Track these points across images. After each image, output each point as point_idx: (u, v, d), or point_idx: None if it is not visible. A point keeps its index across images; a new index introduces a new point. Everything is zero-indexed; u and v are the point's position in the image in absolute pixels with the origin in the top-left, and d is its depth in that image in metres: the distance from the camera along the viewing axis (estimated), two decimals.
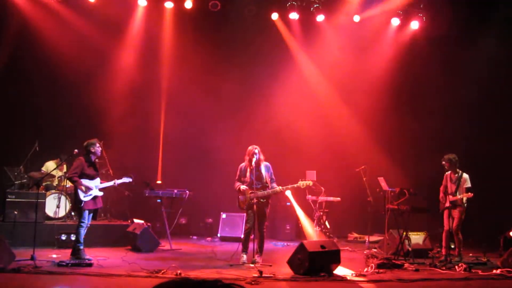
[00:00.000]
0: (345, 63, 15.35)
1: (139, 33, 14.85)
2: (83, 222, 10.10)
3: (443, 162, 11.24)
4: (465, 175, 11.26)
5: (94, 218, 10.58)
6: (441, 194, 11.35)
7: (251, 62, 14.98)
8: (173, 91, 15.09)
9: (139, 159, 14.55)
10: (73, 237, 11.37)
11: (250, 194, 10.15)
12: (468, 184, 11.16)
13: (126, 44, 14.83)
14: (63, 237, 11.44)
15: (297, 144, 15.45)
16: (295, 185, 10.33)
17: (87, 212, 10.15)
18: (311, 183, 10.36)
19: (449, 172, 11.30)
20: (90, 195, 10.13)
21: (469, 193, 10.91)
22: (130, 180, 11.08)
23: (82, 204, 10.02)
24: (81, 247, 10.05)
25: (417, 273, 9.65)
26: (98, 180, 10.38)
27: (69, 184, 12.58)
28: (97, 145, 10.39)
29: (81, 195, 10.04)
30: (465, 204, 11.08)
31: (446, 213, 11.19)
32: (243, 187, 10.21)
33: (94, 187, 10.22)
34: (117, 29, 14.66)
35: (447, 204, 10.99)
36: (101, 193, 10.37)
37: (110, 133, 13.83)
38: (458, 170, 11.27)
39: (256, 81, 15.04)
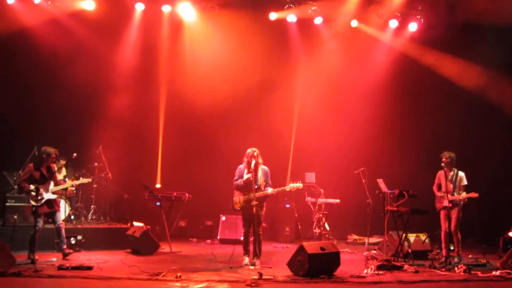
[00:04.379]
0: (344, 65, 15.38)
1: (137, 37, 14.86)
2: (37, 226, 10.25)
3: (444, 159, 11.26)
4: (461, 173, 11.30)
5: (53, 221, 10.69)
6: (437, 193, 11.36)
7: (250, 64, 14.97)
8: (172, 95, 15.09)
9: (138, 163, 14.57)
10: (72, 241, 11.47)
11: (243, 196, 10.17)
12: (465, 182, 11.22)
13: (124, 48, 14.83)
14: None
15: (296, 146, 15.49)
16: (286, 188, 10.35)
17: (42, 216, 10.35)
18: (301, 185, 10.36)
19: (443, 170, 11.32)
20: (42, 199, 10.33)
21: (475, 193, 10.92)
22: (89, 180, 11.44)
23: (34, 209, 10.27)
24: (33, 249, 10.10)
25: (416, 274, 9.66)
26: (51, 184, 10.56)
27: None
28: (53, 155, 10.64)
29: (32, 201, 10.29)
30: (462, 202, 11.12)
31: (443, 213, 11.21)
32: (235, 198, 10.29)
33: (46, 191, 10.42)
34: (115, 33, 14.68)
35: (446, 204, 11.00)
36: (54, 196, 10.56)
37: (109, 136, 13.84)
38: (453, 168, 11.31)
39: (255, 84, 15.00)
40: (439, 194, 11.27)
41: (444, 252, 11.14)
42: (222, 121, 15.11)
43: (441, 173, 11.39)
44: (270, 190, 10.18)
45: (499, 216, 14.18)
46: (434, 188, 11.52)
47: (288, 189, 10.36)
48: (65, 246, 10.68)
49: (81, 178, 11.23)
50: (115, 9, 14.39)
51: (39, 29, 13.87)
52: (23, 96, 14.05)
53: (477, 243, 13.50)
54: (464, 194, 11.06)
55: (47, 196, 10.44)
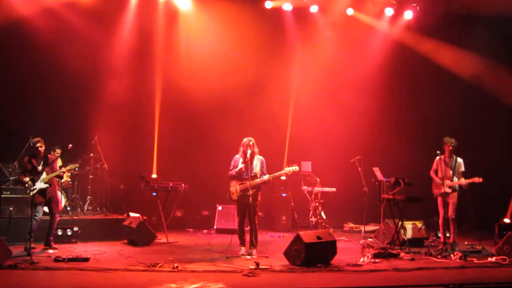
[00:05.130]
0: (341, 54, 15.37)
1: (132, 26, 14.77)
2: (35, 216, 10.40)
3: (450, 146, 11.24)
4: (460, 159, 11.35)
5: (51, 210, 10.81)
6: (436, 178, 11.36)
7: (245, 54, 14.96)
8: (168, 84, 15.05)
9: (134, 153, 14.56)
10: (69, 232, 11.49)
11: (240, 186, 10.15)
12: (463, 168, 11.28)
13: (119, 38, 14.73)
14: (59, 232, 11.42)
15: (292, 135, 15.47)
16: (282, 172, 10.25)
17: (39, 207, 10.52)
18: (297, 168, 10.24)
19: (442, 156, 11.35)
20: (35, 189, 10.44)
21: (479, 178, 10.94)
22: (77, 165, 11.50)
23: (29, 199, 10.46)
24: (31, 239, 10.20)
25: (413, 262, 9.70)
26: (43, 174, 10.64)
27: (64, 179, 12.59)
28: (38, 144, 10.70)
29: (27, 191, 10.48)
30: (464, 188, 11.17)
31: (441, 199, 11.24)
32: (231, 188, 10.19)
33: (38, 181, 10.53)
34: (110, 21, 14.59)
35: (446, 190, 11.04)
36: (45, 186, 10.61)
37: (105, 127, 13.83)
38: (453, 154, 11.35)
39: (251, 73, 14.98)
40: (439, 181, 11.24)
41: (442, 238, 11.20)
42: (218, 110, 15.07)
43: (439, 159, 11.40)
44: (266, 176, 10.13)
45: (494, 202, 14.23)
46: (432, 173, 11.54)
47: (284, 173, 10.28)
48: (51, 238, 10.77)
49: (69, 164, 11.26)
50: None
51: (33, 18, 13.74)
52: (17, 87, 13.95)
53: (473, 229, 13.57)
54: (463, 180, 11.10)
55: (39, 185, 10.51)
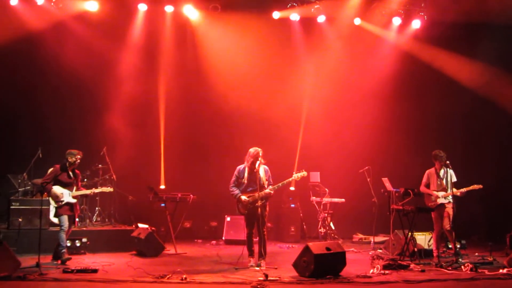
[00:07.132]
0: (349, 64, 15.35)
1: (140, 38, 14.85)
2: (62, 226, 10.41)
3: (442, 162, 11.25)
4: (451, 170, 11.35)
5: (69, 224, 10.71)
6: (431, 192, 11.32)
7: (253, 64, 14.97)
8: (175, 94, 15.06)
9: (142, 164, 14.56)
10: (77, 243, 11.47)
11: (249, 198, 10.10)
12: (455, 179, 11.34)
13: (127, 49, 14.81)
14: (68, 243, 11.39)
15: (301, 145, 15.43)
16: (290, 179, 10.23)
17: (65, 217, 10.46)
18: (305, 173, 10.24)
19: (433, 168, 11.37)
20: (62, 201, 10.45)
21: (478, 185, 10.94)
22: (111, 190, 11.39)
23: (55, 210, 10.44)
24: (63, 250, 10.36)
25: (423, 273, 9.60)
26: (73, 188, 10.66)
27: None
28: (77, 157, 10.67)
29: (52, 202, 10.42)
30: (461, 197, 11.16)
31: (435, 213, 11.23)
32: (243, 197, 10.15)
33: (68, 194, 10.52)
34: (118, 34, 14.67)
35: (443, 201, 11.03)
36: (74, 200, 10.62)
37: (113, 138, 13.87)
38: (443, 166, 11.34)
39: (257, 84, 15.01)
40: (434, 193, 11.23)
41: (435, 253, 11.20)
42: (226, 120, 15.08)
43: (431, 172, 11.43)
44: (276, 186, 10.12)
45: (505, 212, 14.10)
46: (423, 187, 11.50)
47: (293, 179, 10.24)
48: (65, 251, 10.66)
49: (103, 187, 11.36)
50: (118, 10, 14.38)
51: (42, 30, 13.88)
52: (25, 98, 14.06)
53: (482, 240, 13.46)
54: (455, 189, 11.06)
55: (68, 199, 10.52)
